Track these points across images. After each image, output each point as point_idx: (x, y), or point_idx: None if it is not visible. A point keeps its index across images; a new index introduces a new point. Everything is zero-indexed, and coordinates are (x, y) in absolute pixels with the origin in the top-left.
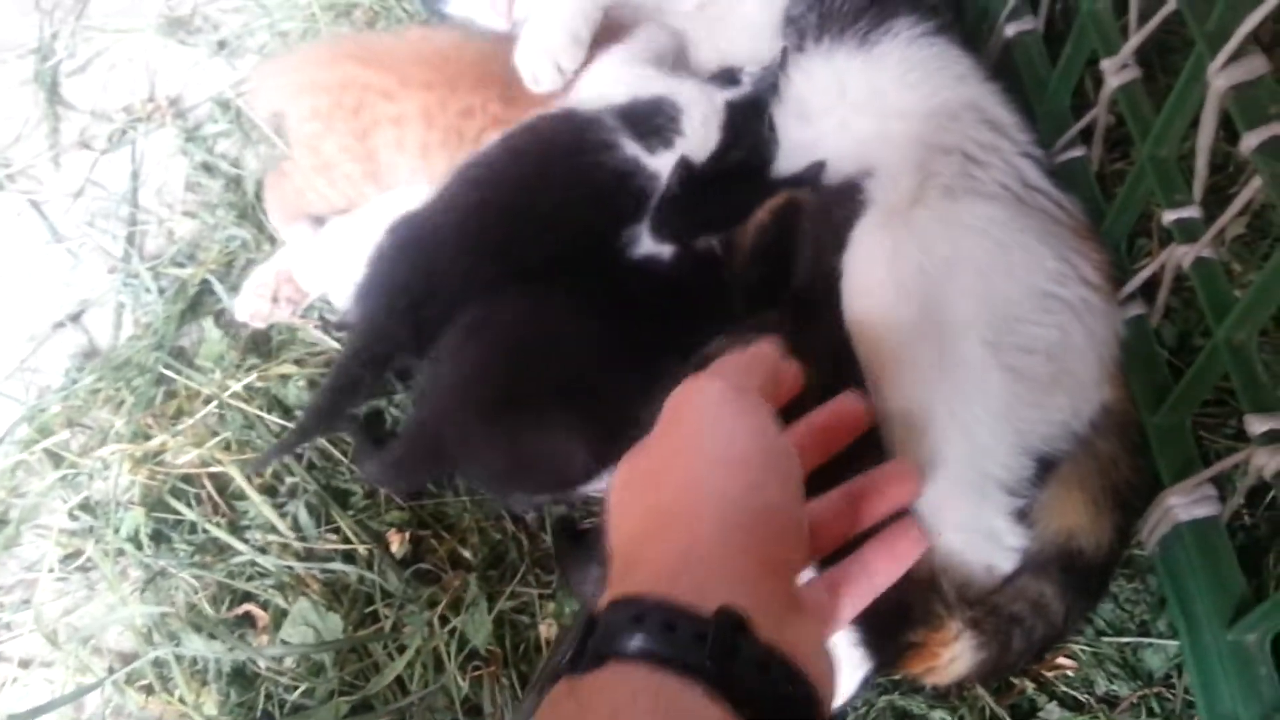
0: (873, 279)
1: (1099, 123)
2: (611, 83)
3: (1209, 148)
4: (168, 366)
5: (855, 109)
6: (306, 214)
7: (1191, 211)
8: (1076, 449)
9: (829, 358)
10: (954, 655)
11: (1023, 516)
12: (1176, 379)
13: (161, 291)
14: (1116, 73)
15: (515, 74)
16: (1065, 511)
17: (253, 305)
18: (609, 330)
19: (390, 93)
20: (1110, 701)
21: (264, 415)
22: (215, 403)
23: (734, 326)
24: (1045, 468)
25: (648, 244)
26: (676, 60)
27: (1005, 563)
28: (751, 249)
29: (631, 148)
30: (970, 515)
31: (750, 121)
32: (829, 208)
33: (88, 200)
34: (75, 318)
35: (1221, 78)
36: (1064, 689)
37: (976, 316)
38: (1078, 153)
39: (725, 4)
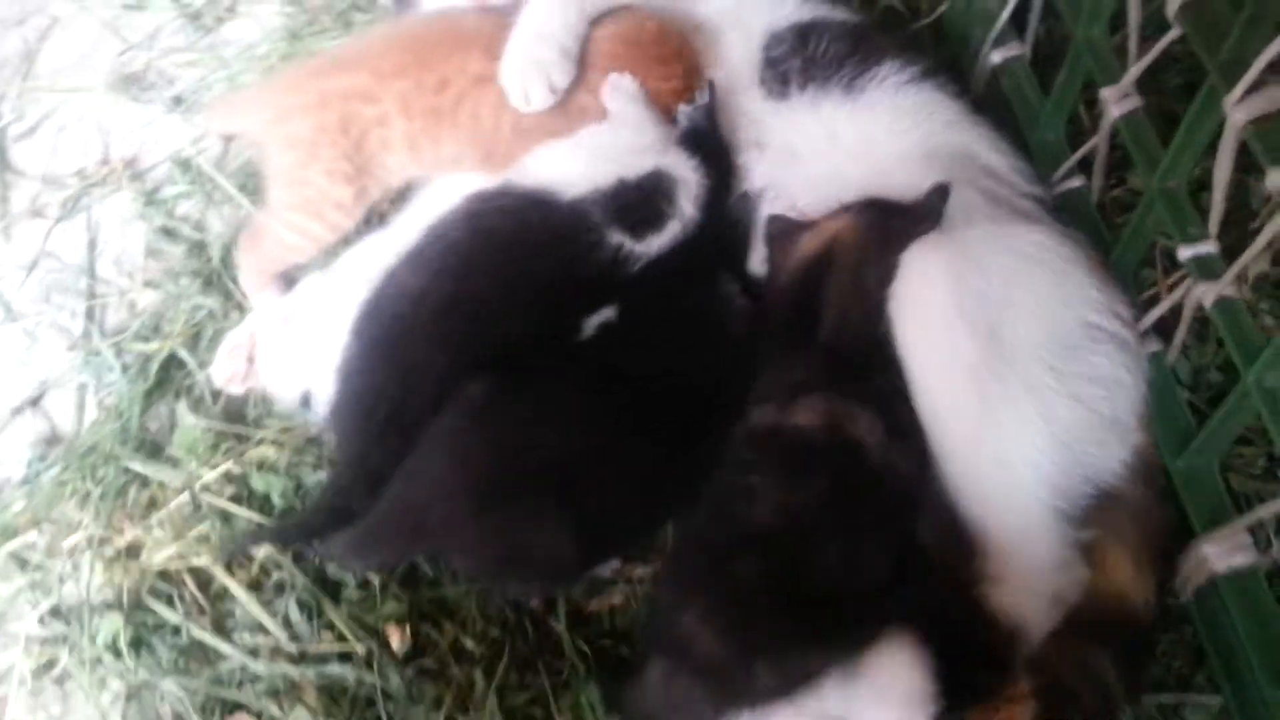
0: (933, 304)
1: (1099, 153)
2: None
3: (1226, 183)
4: (138, 452)
5: (849, 156)
6: (283, 270)
7: (1208, 247)
8: (1113, 495)
9: (875, 405)
10: (1013, 715)
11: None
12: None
13: (125, 369)
14: (1118, 102)
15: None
16: (1111, 570)
17: (229, 369)
18: (603, 415)
19: (369, 93)
20: None
21: (240, 510)
22: (189, 494)
23: (765, 383)
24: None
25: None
26: None
27: (1073, 592)
28: (785, 290)
29: (618, 237)
30: (1040, 549)
31: (712, 145)
32: (871, 245)
33: (42, 273)
34: (35, 402)
35: (1240, 110)
36: None
37: (1040, 343)
38: (1077, 183)
39: (706, 38)
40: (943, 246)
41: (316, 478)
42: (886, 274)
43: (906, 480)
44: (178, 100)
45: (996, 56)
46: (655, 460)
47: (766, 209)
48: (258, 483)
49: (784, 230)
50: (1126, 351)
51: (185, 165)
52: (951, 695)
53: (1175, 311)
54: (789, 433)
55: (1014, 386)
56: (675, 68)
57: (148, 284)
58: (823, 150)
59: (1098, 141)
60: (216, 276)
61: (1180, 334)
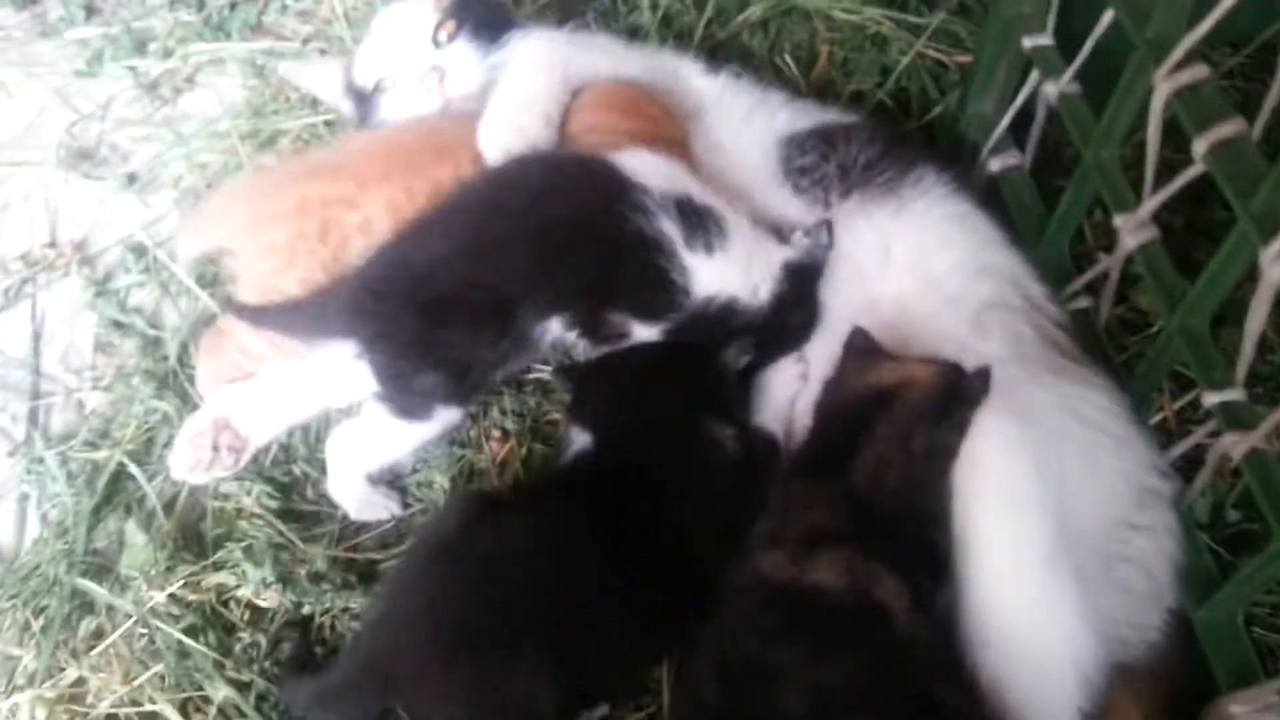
0: (1015, 484)
1: (1111, 277)
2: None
3: (1259, 333)
4: (84, 575)
5: (905, 273)
6: (245, 375)
7: (1236, 394)
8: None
9: (902, 570)
10: None
11: None
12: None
13: (71, 478)
14: (1134, 232)
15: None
16: None
17: (190, 458)
18: (582, 552)
19: (352, 199)
20: None
21: (197, 645)
22: (140, 623)
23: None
24: None
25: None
26: None
27: None
28: (824, 416)
29: (670, 226)
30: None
31: (807, 286)
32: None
33: None
34: None
35: (1278, 266)
36: None
37: (1097, 528)
38: (1083, 303)
39: (729, 148)
40: (1020, 416)
41: (285, 601)
42: (936, 445)
43: (926, 650)
44: (131, 178)
45: (995, 164)
46: (640, 599)
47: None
48: (220, 608)
49: (865, 350)
50: (1168, 509)
51: (139, 251)
52: None
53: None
54: (810, 594)
55: (1068, 576)
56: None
57: (96, 383)
58: (881, 261)
59: (1109, 267)
60: (172, 376)
61: (1203, 480)
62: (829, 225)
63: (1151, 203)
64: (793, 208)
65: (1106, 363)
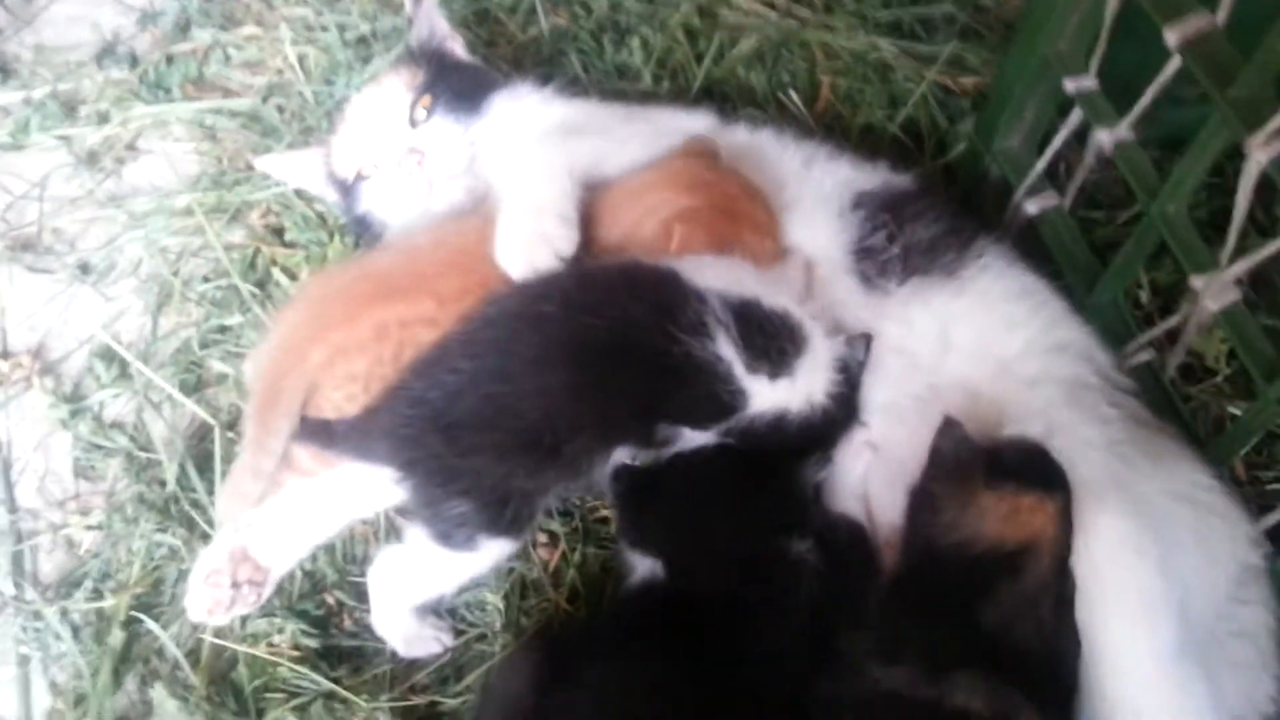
0: (1139, 588)
1: (1184, 339)
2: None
3: None
4: None
5: (969, 357)
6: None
7: None
8: None
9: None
10: None
11: None
12: None
13: (76, 634)
14: (1217, 296)
15: None
16: None
17: (208, 599)
18: (673, 698)
19: (433, 319)
20: None
21: None
22: None
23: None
24: None
25: None
26: None
27: None
28: (945, 557)
29: (727, 350)
30: None
31: (844, 398)
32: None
33: None
34: None
35: None
36: None
37: (1206, 608)
38: (1145, 357)
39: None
40: (1135, 516)
41: None
42: (1064, 597)
43: None
44: (84, 268)
45: (1032, 207)
46: None
47: (877, 424)
48: None
49: (961, 463)
50: (1264, 579)
51: (106, 355)
52: None
53: None
54: (955, 717)
55: (1197, 669)
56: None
57: (85, 516)
58: (939, 352)
59: (1181, 325)
60: (172, 503)
61: None
62: (868, 340)
63: (1240, 265)
64: (845, 288)
65: (1178, 421)
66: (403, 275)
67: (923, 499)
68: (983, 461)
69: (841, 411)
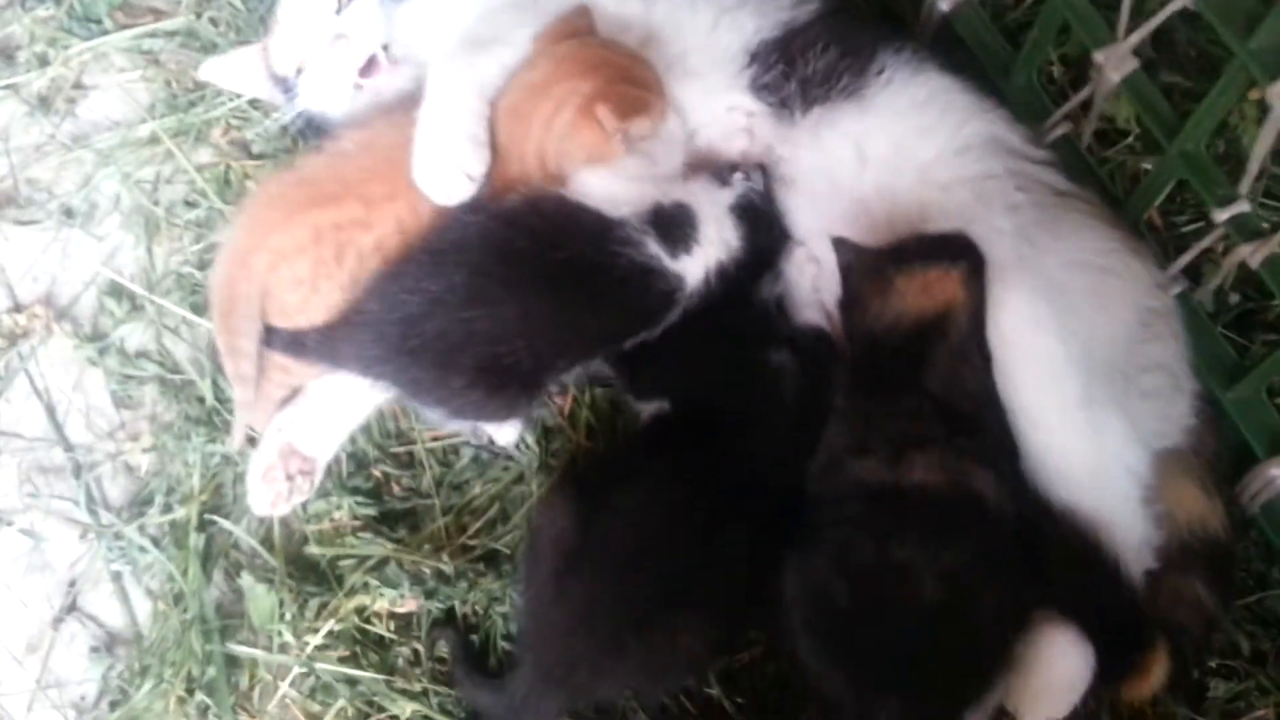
0: (1043, 353)
1: (1093, 109)
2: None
3: (1267, 152)
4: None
5: (886, 169)
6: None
7: (1243, 206)
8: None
9: (987, 460)
10: (1159, 670)
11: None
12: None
13: (158, 545)
14: (1117, 66)
15: None
16: (1185, 503)
17: (269, 493)
18: (697, 509)
19: (364, 221)
20: (1259, 659)
21: (365, 673)
22: (302, 670)
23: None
24: None
25: None
26: None
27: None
28: (881, 337)
29: (654, 246)
30: (1137, 525)
31: (762, 225)
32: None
33: (7, 459)
34: (70, 609)
35: None
36: (1219, 661)
37: (1117, 354)
38: (1063, 130)
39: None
40: (1035, 290)
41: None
42: (985, 354)
43: (1016, 523)
44: (68, 212)
45: (944, 4)
46: (750, 529)
47: (815, 245)
48: (369, 628)
49: (867, 266)
50: (1170, 317)
51: (115, 290)
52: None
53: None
54: (916, 493)
55: (1108, 408)
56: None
57: (136, 442)
58: (857, 169)
59: (1091, 97)
60: (215, 414)
61: (1215, 283)
62: (761, 168)
63: (1135, 36)
64: (758, 125)
65: (1096, 184)
66: (331, 180)
67: (848, 302)
68: (888, 255)
69: (762, 236)
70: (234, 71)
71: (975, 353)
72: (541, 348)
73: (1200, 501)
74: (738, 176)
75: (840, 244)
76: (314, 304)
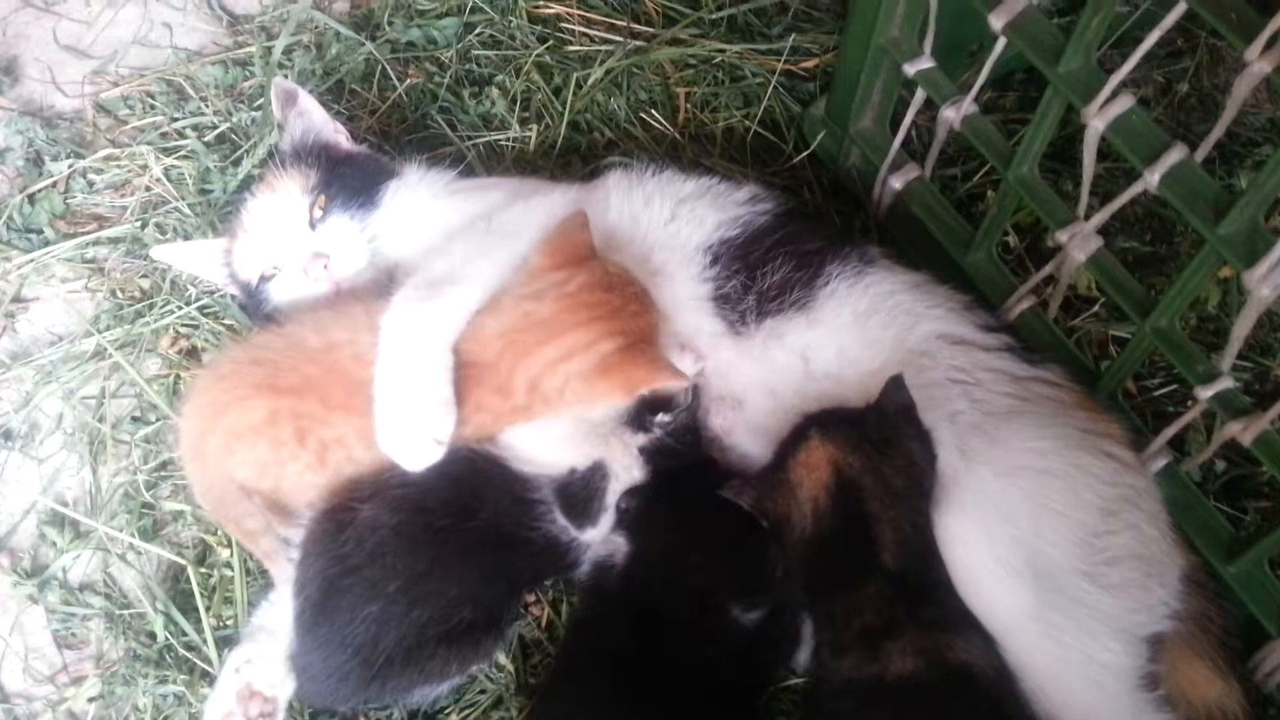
0: (979, 568)
1: (1060, 285)
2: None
3: (1244, 336)
4: None
5: (829, 379)
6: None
7: (1227, 383)
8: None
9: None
10: None
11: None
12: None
13: None
14: (1081, 246)
15: None
16: (1198, 686)
17: None
18: None
19: (323, 420)
20: None
21: None
22: None
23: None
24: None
25: None
26: None
27: None
28: (814, 535)
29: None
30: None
31: (667, 461)
32: (884, 471)
33: None
34: None
35: (1264, 286)
36: None
37: (1072, 555)
38: (1027, 304)
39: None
40: (970, 507)
41: None
42: (907, 468)
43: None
44: (7, 435)
45: (897, 182)
46: None
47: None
48: None
49: (766, 485)
50: (1143, 498)
51: (55, 519)
52: None
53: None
54: (901, 685)
55: (1071, 610)
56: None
57: (79, 687)
58: (802, 381)
59: (1056, 275)
60: (167, 651)
61: (1204, 456)
62: (695, 389)
63: (1098, 217)
64: (708, 324)
65: (1066, 355)
66: (289, 368)
67: (775, 528)
68: (771, 466)
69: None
70: (190, 258)
71: (907, 514)
72: (487, 599)
73: (1215, 685)
74: (660, 419)
75: (734, 489)
76: (287, 488)
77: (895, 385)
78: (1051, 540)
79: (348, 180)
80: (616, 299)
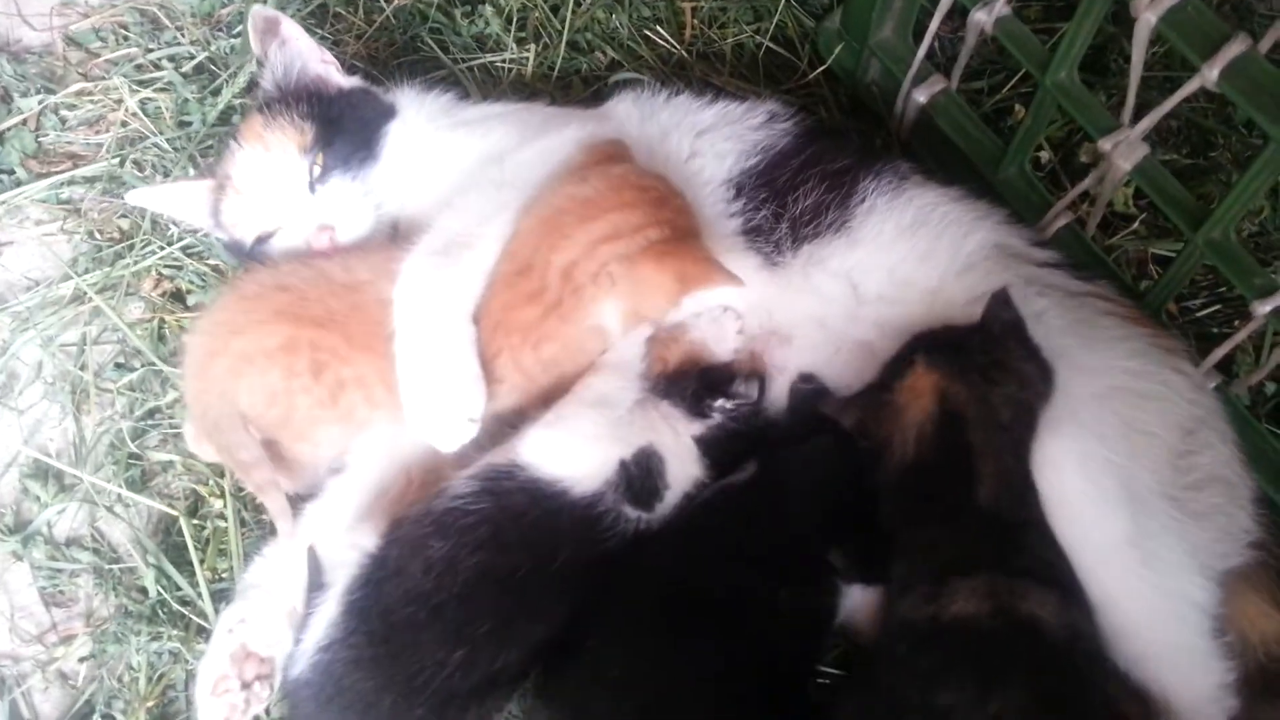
0: (1075, 495)
1: (1100, 201)
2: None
3: None
4: None
5: (884, 303)
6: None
7: None
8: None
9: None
10: None
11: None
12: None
13: None
14: (1127, 154)
15: None
16: (1256, 622)
17: (222, 708)
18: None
19: (345, 356)
20: None
21: None
22: None
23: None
24: None
25: None
26: None
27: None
28: (914, 463)
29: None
30: (1201, 669)
31: (727, 451)
32: (990, 401)
33: None
34: None
35: None
36: None
37: (1161, 479)
38: (1065, 220)
39: None
40: (1065, 427)
41: None
42: (1017, 395)
43: (1091, 640)
44: None
45: (922, 95)
46: None
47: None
48: None
49: (868, 404)
50: (1215, 418)
51: (38, 472)
52: None
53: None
54: (957, 628)
55: (1161, 539)
56: None
57: (69, 645)
58: (853, 308)
59: (1095, 188)
60: (160, 607)
61: (1259, 376)
62: (761, 380)
63: (1145, 122)
64: (740, 260)
65: (1108, 274)
66: (316, 300)
67: (874, 447)
68: (876, 385)
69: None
70: (171, 202)
71: (1009, 445)
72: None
73: (1272, 619)
74: (720, 404)
75: (834, 407)
76: (297, 420)
77: (1000, 301)
78: (1144, 463)
79: (344, 128)
80: (665, 188)
